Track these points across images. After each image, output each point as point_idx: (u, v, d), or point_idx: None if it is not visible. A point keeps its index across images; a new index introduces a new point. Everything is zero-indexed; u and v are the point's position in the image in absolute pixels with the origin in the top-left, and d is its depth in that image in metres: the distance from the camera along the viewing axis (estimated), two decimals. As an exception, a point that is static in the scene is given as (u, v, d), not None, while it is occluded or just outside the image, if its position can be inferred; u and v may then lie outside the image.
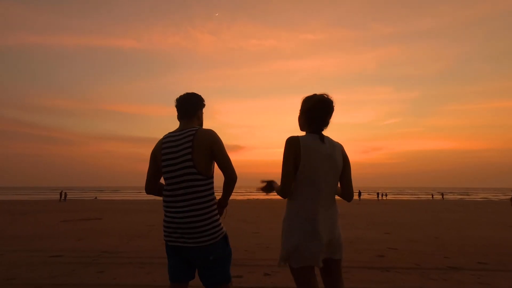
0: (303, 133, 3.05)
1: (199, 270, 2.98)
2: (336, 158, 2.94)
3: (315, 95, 3.04)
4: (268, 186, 3.23)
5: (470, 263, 8.28)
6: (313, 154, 2.84)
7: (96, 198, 74.24)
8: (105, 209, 32.24)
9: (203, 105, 3.30)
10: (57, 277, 6.89)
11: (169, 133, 3.13)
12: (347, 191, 3.10)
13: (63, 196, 59.27)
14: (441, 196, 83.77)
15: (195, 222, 2.84)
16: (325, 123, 2.99)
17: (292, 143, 2.85)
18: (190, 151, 2.89)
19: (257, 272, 7.31)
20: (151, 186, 3.18)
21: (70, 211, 30.13)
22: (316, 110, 2.95)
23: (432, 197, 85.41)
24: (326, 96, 2.97)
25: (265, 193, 3.26)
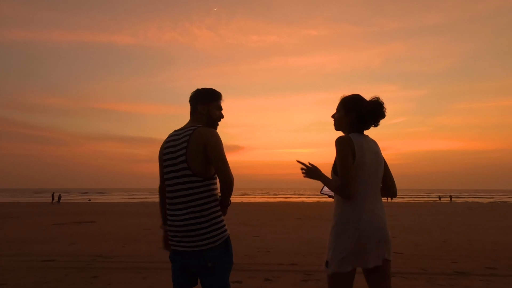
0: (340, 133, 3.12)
1: (200, 278, 2.95)
2: (380, 154, 3.06)
3: (359, 96, 3.11)
4: (314, 171, 3.09)
5: (478, 268, 8.24)
6: (366, 152, 2.91)
7: (90, 200, 74.21)
8: (99, 212, 32.16)
9: (208, 99, 3.15)
10: (49, 282, 6.89)
11: (174, 131, 3.12)
12: (393, 188, 3.18)
13: (55, 198, 59.37)
14: (449, 199, 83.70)
15: (192, 224, 2.82)
16: (376, 125, 3.10)
17: (347, 142, 2.88)
18: (185, 152, 2.85)
19: (257, 278, 7.32)
20: (161, 186, 3.18)
21: (62, 214, 30.13)
22: (374, 113, 3.02)
23: (440, 199, 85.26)
24: (381, 100, 3.04)
25: (305, 176, 3.14)
